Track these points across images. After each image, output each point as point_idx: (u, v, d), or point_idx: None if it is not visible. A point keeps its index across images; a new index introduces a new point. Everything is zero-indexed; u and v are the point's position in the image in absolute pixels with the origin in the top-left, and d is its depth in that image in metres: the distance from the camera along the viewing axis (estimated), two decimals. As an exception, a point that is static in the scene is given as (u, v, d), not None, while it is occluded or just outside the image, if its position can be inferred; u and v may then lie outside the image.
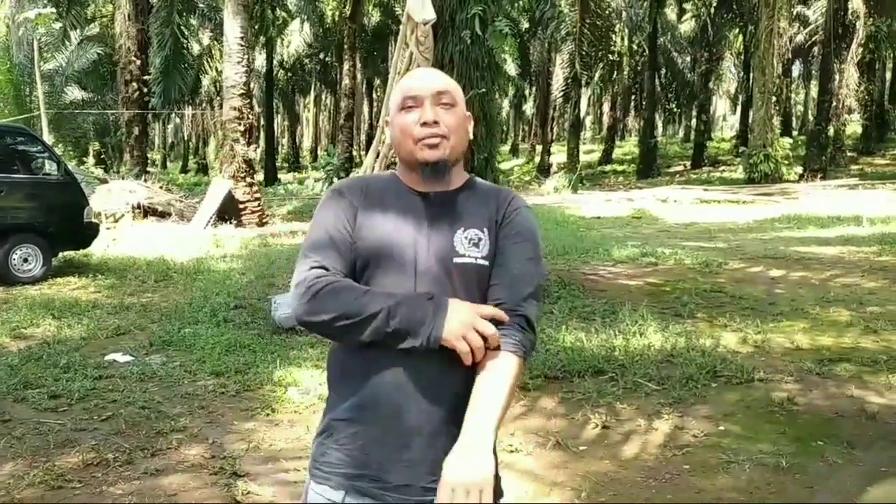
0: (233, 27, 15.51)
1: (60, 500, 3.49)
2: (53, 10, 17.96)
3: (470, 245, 1.65)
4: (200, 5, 26.44)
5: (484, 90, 8.41)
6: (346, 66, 28.29)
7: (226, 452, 4.04)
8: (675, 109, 41.42)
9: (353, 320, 1.54)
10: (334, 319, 1.56)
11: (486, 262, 1.66)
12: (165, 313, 7.39)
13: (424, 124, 1.67)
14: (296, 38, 35.15)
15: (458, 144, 1.70)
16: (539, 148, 35.30)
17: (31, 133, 10.50)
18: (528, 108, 44.51)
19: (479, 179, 1.79)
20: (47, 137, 17.15)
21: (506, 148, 46.59)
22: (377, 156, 8.99)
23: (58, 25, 20.19)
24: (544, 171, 30.39)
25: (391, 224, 1.66)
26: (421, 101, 1.69)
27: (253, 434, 4.30)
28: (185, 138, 47.24)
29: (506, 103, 46.86)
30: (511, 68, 33.37)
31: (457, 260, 1.63)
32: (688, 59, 36.48)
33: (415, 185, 1.72)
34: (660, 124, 44.96)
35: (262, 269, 9.66)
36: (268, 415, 4.62)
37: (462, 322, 1.53)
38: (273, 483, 3.68)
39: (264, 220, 15.74)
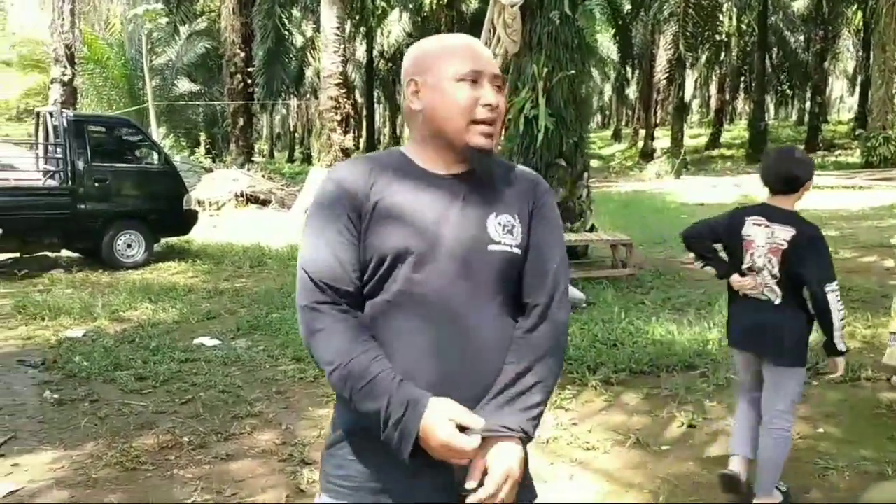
0: (329, 17, 15.70)
1: (132, 481, 3.54)
2: (160, 5, 18.70)
3: (504, 232, 1.51)
4: (303, -3, 27.00)
5: (573, 72, 8.14)
6: (443, 54, 28.27)
7: (297, 439, 4.02)
8: (788, 91, 39.44)
9: (347, 384, 1.41)
10: (332, 372, 1.44)
11: (520, 252, 1.52)
12: (256, 298, 7.52)
13: (488, 106, 1.50)
14: (395, 28, 35.38)
15: (501, 131, 1.60)
16: (642, 132, 34.33)
17: (134, 124, 10.94)
18: (631, 91, 43.34)
19: (497, 159, 1.61)
20: (156, 128, 17.92)
21: (608, 132, 45.59)
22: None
23: (165, 20, 21.00)
24: (647, 156, 29.56)
25: (413, 214, 1.47)
26: (484, 77, 1.51)
27: (325, 421, 4.26)
28: (291, 128, 48.50)
29: (608, 87, 45.77)
30: (612, 51, 32.53)
31: (491, 247, 1.49)
32: (801, 37, 34.58)
33: (433, 167, 1.54)
34: (771, 107, 42.91)
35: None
36: (342, 402, 4.57)
37: (438, 445, 1.37)
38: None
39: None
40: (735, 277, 3.10)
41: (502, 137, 9.49)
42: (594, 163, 24.36)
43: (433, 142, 1.53)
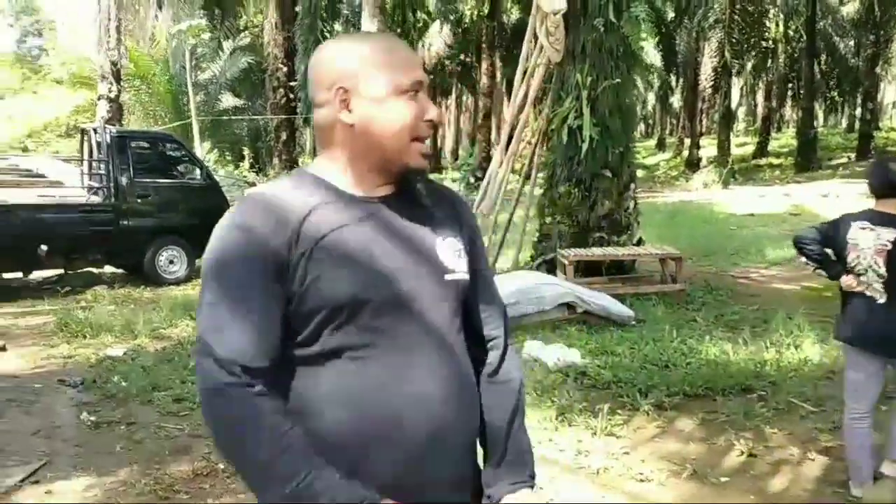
0: (370, 30, 15.68)
1: (165, 511, 3.43)
2: (204, 21, 18.92)
3: (456, 257, 1.37)
4: (345, 12, 27.12)
5: (618, 80, 7.91)
6: (484, 66, 28.16)
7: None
8: (838, 98, 38.42)
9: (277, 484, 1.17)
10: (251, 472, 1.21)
11: (469, 277, 1.39)
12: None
13: (429, 122, 1.33)
14: (436, 40, 35.40)
15: None
16: (687, 141, 33.72)
17: (177, 139, 11.01)
18: (676, 100, 42.72)
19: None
20: (200, 143, 18.08)
21: (652, 142, 44.98)
22: (506, 152, 8.69)
23: (208, 36, 21.26)
24: (693, 165, 28.99)
25: (359, 252, 1.25)
26: (422, 87, 1.32)
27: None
28: (333, 142, 48.89)
29: (651, 96, 45.21)
30: (656, 59, 32.08)
31: (448, 277, 1.34)
32: (851, 43, 33.64)
33: (357, 190, 1.33)
34: (820, 114, 41.86)
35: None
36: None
37: None
38: None
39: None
40: (845, 278, 3.28)
41: (545, 148, 9.30)
42: (639, 173, 23.95)
43: (361, 161, 1.32)
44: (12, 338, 6.94)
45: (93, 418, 4.61)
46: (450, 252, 1.36)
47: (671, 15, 30.26)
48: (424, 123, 1.33)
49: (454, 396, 1.31)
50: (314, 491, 1.15)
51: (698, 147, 31.98)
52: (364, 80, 1.29)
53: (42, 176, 11.31)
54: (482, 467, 1.45)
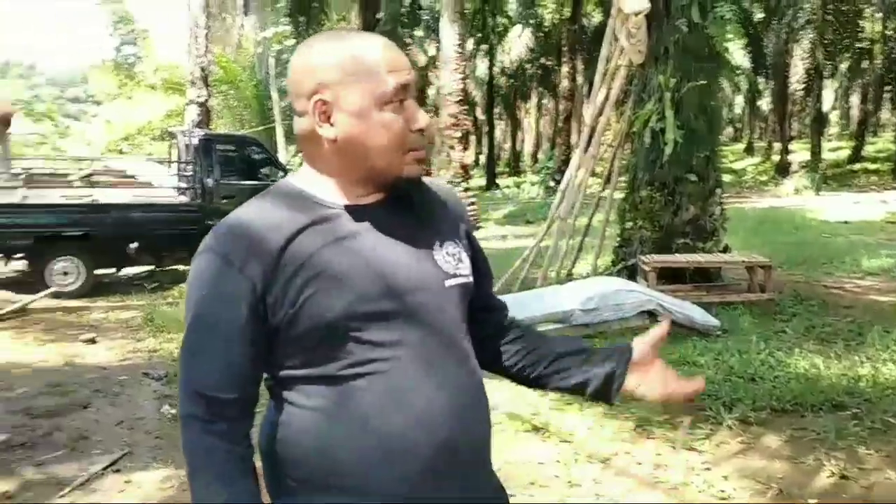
0: (450, 35, 15.73)
1: None
2: (288, 28, 19.33)
3: (456, 262, 1.31)
4: (425, 17, 27.32)
5: (703, 82, 7.66)
6: (564, 69, 27.90)
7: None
8: (942, 100, 36.38)
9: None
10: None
11: (471, 279, 1.34)
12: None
13: (419, 131, 1.24)
14: (517, 44, 35.29)
15: None
16: (777, 146, 32.57)
17: (260, 143, 11.27)
18: (764, 103, 41.33)
19: None
20: (284, 146, 18.48)
21: (740, 146, 43.65)
22: (585, 155, 8.54)
23: (291, 42, 21.73)
24: (782, 170, 27.97)
25: (355, 266, 1.19)
26: (409, 91, 1.22)
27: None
28: (413, 146, 49.32)
29: (739, 98, 43.88)
30: (744, 60, 31.11)
31: (448, 283, 1.27)
32: (957, 41, 31.81)
33: (346, 199, 1.26)
34: (922, 117, 39.74)
35: (469, 275, 9.54)
36: (454, 431, 4.36)
37: None
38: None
39: (478, 225, 15.80)
40: None
41: (626, 151, 9.10)
42: (726, 177, 23.24)
43: (347, 174, 1.24)
44: (103, 331, 7.22)
45: (173, 411, 4.72)
46: (449, 256, 1.30)
47: (760, 15, 29.29)
48: (414, 134, 1.23)
49: (464, 408, 1.25)
50: None
51: (788, 151, 30.84)
52: (344, 91, 1.20)
53: (134, 177, 11.78)
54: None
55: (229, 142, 11.34)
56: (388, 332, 1.19)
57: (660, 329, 1.41)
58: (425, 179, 1.34)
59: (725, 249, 8.09)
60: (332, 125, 1.21)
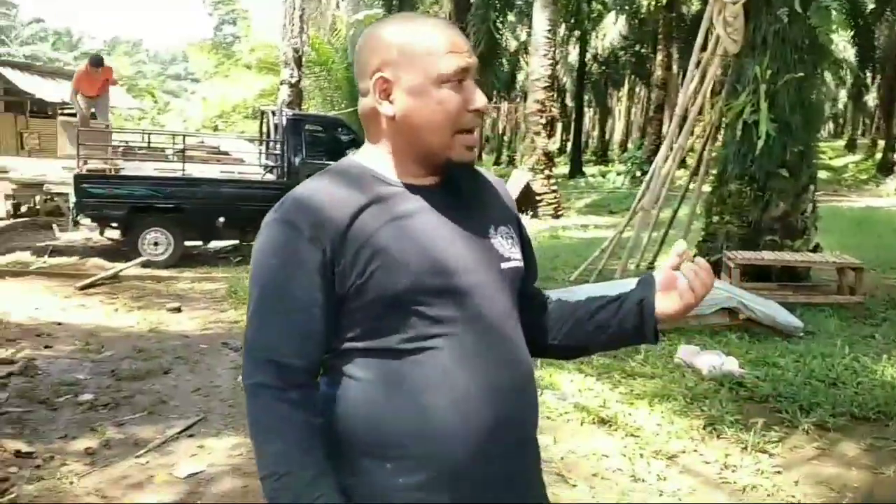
0: (541, 20, 15.57)
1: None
2: (381, 11, 19.50)
3: (510, 246, 1.34)
4: (518, 2, 27.10)
5: (802, 74, 7.33)
6: (659, 57, 27.23)
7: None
8: None
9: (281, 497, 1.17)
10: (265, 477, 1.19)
11: (523, 265, 1.37)
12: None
13: (476, 111, 1.26)
14: (611, 31, 34.63)
15: None
16: (881, 143, 30.93)
17: (347, 124, 11.43)
18: (871, 98, 39.31)
19: None
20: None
21: (841, 142, 41.71)
22: (673, 148, 8.34)
23: (383, 25, 21.90)
24: (885, 169, 26.56)
25: (421, 242, 1.22)
26: (469, 74, 1.24)
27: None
28: (500, 132, 49.13)
29: (843, 93, 41.91)
30: (850, 53, 29.61)
31: (504, 265, 1.31)
32: None
33: (408, 179, 1.28)
34: None
35: (545, 262, 9.46)
36: (519, 417, 4.35)
37: None
38: (507, 495, 3.40)
39: (559, 213, 15.65)
40: None
41: (716, 143, 8.83)
42: (823, 174, 22.23)
43: (405, 153, 1.27)
44: (188, 301, 7.51)
45: (248, 382, 4.86)
46: (503, 240, 1.32)
47: (871, 6, 27.78)
48: (470, 114, 1.25)
49: (514, 389, 1.27)
50: (289, 488, 1.16)
51: (893, 150, 29.25)
52: (404, 70, 1.23)
53: (226, 153, 12.17)
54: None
55: (317, 122, 11.55)
56: (447, 309, 1.21)
57: (679, 247, 1.38)
58: (478, 168, 1.38)
59: (816, 249, 7.75)
60: (391, 103, 1.25)
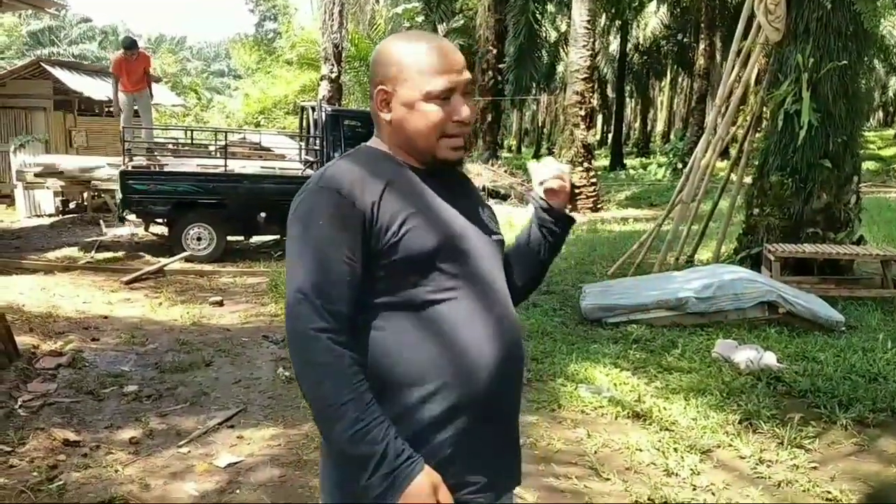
0: (580, 11, 15.45)
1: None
2: (420, 4, 19.49)
3: (494, 223, 1.63)
4: (557, -7, 26.89)
5: (845, 62, 7.17)
6: (702, 46, 26.81)
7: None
8: None
9: (324, 416, 1.37)
10: (323, 409, 1.37)
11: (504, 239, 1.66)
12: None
13: (458, 122, 1.49)
14: (652, 20, 34.17)
15: None
16: (933, 133, 30.04)
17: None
18: (923, 86, 38.19)
19: None
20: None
21: (891, 131, 40.63)
22: (713, 139, 8.24)
23: (422, 19, 21.93)
24: (937, 159, 25.82)
25: (436, 212, 1.48)
26: (457, 91, 1.49)
27: (533, 429, 4.09)
28: (540, 124, 48.86)
29: (893, 81, 40.83)
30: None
31: (495, 237, 1.60)
32: None
33: (415, 163, 1.54)
34: None
35: (583, 256, 9.45)
36: (553, 410, 4.37)
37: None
38: (539, 487, 3.43)
39: (598, 206, 15.55)
40: None
41: (758, 134, 8.68)
42: (870, 165, 21.71)
43: (401, 148, 1.53)
44: (230, 294, 7.65)
45: (287, 373, 4.96)
46: (488, 218, 1.61)
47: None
48: (454, 123, 1.48)
49: (513, 331, 1.53)
50: (370, 438, 1.33)
51: (947, 138, 28.40)
52: (401, 86, 1.47)
53: (268, 149, 12.33)
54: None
55: (356, 117, 11.61)
56: (461, 267, 1.46)
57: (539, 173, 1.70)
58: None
59: (859, 241, 7.60)
60: (389, 111, 1.51)
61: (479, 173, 16.71)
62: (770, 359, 5.01)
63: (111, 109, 15.42)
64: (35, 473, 3.46)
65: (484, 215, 1.59)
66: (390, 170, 1.48)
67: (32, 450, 3.71)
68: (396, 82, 1.48)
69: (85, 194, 12.96)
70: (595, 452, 3.80)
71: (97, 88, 16.25)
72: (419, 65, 1.46)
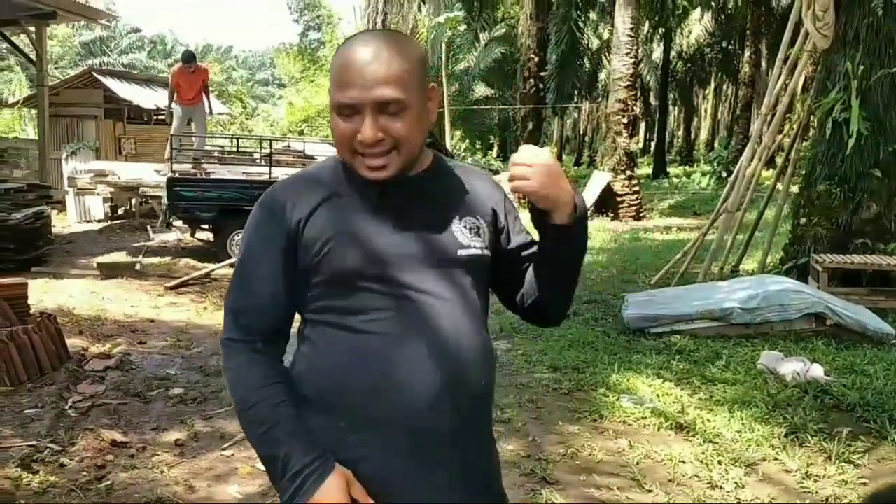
0: (623, 18, 15.37)
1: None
2: (461, 13, 19.57)
3: (472, 235, 1.45)
4: (601, 0, 26.77)
5: (897, 70, 7.02)
6: (747, 54, 26.44)
7: (542, 454, 3.87)
8: None
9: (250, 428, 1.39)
10: (239, 412, 1.40)
11: (489, 254, 1.47)
12: (523, 302, 7.49)
13: (362, 143, 1.34)
14: (696, 28, 33.83)
15: (414, 149, 1.38)
16: None
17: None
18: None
19: (444, 158, 1.52)
20: (450, 131, 18.81)
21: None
22: (758, 148, 8.12)
23: (464, 28, 22.00)
24: None
25: (365, 233, 1.37)
26: (361, 109, 1.33)
27: (574, 439, 4.06)
28: (581, 132, 48.62)
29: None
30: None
31: (462, 252, 1.42)
32: None
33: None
34: None
35: (625, 265, 9.37)
36: (594, 420, 4.34)
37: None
38: (580, 497, 3.41)
39: (641, 214, 15.41)
40: None
41: (805, 142, 8.54)
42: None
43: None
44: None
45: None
46: (467, 229, 1.44)
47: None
48: (357, 142, 1.35)
49: (461, 360, 1.38)
50: (274, 439, 1.33)
51: None
52: (331, 93, 1.38)
53: (311, 157, 12.48)
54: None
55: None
56: (390, 289, 1.36)
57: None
58: (456, 164, 1.53)
59: (911, 252, 7.41)
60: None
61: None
62: (817, 371, 4.91)
63: (159, 117, 15.76)
64: (84, 473, 3.54)
65: (458, 226, 1.44)
66: (335, 182, 1.42)
67: (82, 450, 3.80)
68: (331, 89, 1.39)
69: (133, 200, 13.25)
70: (637, 464, 3.76)
71: (146, 97, 16.64)
72: (333, 73, 1.37)
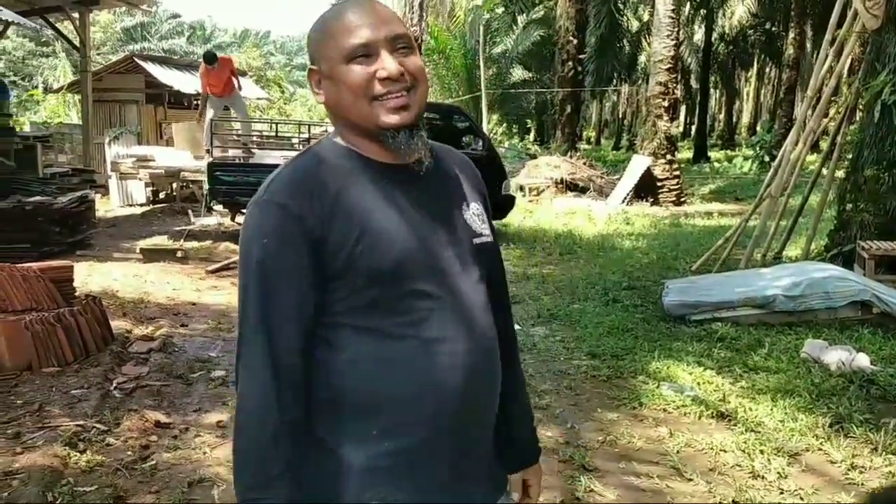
0: (664, 0, 15.10)
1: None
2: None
3: (482, 222, 1.39)
4: (641, -18, 26.38)
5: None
6: (791, 35, 25.85)
7: (580, 441, 3.85)
8: None
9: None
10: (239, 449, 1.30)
11: (493, 241, 1.42)
12: (560, 287, 7.47)
13: (387, 80, 1.25)
14: (738, 9, 33.13)
15: (426, 93, 1.32)
16: None
17: (464, 112, 11.54)
18: None
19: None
20: (487, 115, 18.72)
21: None
22: (803, 132, 7.95)
23: (502, 10, 21.83)
24: None
25: (394, 225, 1.25)
26: (375, 49, 1.25)
27: (613, 426, 4.04)
28: (620, 115, 48.07)
29: None
30: None
31: (476, 241, 1.36)
32: None
33: (380, 157, 1.31)
34: None
35: (666, 251, 9.26)
36: (634, 408, 4.31)
37: None
38: (619, 485, 3.39)
39: (681, 199, 15.20)
40: None
41: (852, 126, 8.33)
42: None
43: (352, 130, 1.31)
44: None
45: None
46: (475, 217, 1.38)
47: None
48: (380, 83, 1.25)
49: (486, 357, 1.34)
50: (268, 463, 1.24)
51: None
52: (323, 61, 1.29)
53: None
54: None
55: (434, 110, 11.67)
56: (428, 285, 1.27)
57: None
58: (438, 146, 1.41)
59: (959, 240, 7.20)
60: (320, 91, 1.33)
61: (557, 166, 16.55)
62: (863, 360, 4.80)
63: (199, 102, 15.95)
64: (129, 453, 3.62)
65: (468, 213, 1.37)
66: (345, 171, 1.28)
67: (126, 430, 3.88)
68: (319, 59, 1.30)
69: (174, 185, 13.44)
70: (677, 452, 3.72)
71: (186, 82, 16.82)
72: (332, 30, 1.28)
